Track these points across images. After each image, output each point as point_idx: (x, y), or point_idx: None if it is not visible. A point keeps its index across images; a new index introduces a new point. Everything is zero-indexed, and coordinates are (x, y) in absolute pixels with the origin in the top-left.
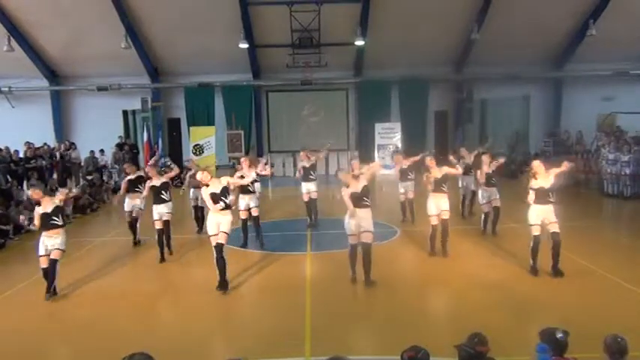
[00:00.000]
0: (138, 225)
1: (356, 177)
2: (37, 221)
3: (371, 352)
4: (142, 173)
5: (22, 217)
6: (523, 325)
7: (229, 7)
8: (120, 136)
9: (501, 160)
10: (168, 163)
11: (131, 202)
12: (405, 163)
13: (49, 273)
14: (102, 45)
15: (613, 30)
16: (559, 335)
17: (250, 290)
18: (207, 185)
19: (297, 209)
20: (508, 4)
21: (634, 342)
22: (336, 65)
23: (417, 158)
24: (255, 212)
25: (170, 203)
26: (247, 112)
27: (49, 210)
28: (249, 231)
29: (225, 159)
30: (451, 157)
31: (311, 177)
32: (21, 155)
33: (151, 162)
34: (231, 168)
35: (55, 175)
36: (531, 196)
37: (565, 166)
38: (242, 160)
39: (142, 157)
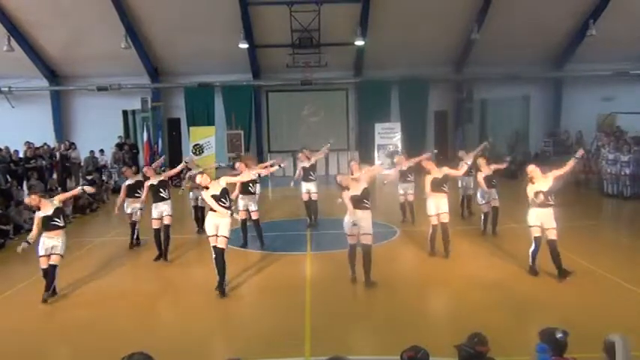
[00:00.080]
0: (137, 229)
1: (356, 179)
2: (35, 227)
3: (371, 352)
4: (140, 177)
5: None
6: (523, 325)
7: (229, 7)
8: (120, 136)
9: (504, 164)
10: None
11: (131, 206)
12: (405, 165)
13: (48, 277)
14: (102, 45)
15: (613, 30)
16: (559, 335)
17: (250, 290)
18: (207, 188)
19: (297, 209)
20: (508, 4)
21: (634, 342)
22: (336, 65)
23: (418, 160)
24: (255, 216)
25: (169, 201)
26: (247, 112)
27: (49, 212)
28: (248, 231)
29: (225, 159)
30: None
31: (311, 177)
32: (21, 155)
33: (154, 166)
34: (231, 168)
35: (54, 175)
36: (534, 200)
37: (580, 153)
38: (237, 165)
39: (141, 157)
